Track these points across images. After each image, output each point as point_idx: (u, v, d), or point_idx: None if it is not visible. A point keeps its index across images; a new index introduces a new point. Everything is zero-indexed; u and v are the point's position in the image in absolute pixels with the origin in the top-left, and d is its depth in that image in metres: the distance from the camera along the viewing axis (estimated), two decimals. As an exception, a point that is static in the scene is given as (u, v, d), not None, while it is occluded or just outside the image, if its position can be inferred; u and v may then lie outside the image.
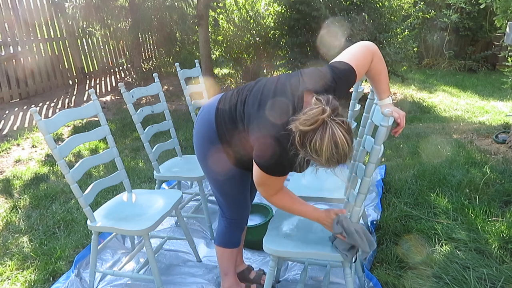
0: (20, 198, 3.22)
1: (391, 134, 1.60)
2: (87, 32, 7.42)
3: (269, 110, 1.47)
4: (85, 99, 6.57)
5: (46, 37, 6.95)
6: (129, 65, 8.41)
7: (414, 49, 6.48)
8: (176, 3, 6.95)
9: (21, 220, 2.88)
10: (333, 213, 1.62)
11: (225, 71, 8.77)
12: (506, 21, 3.88)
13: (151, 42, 9.05)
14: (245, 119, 1.55)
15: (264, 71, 7.34)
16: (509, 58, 4.27)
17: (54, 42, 7.13)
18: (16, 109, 6.00)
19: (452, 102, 6.39)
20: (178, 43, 8.48)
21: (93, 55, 7.82)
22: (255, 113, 1.51)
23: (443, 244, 2.27)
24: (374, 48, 1.59)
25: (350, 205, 1.67)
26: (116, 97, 6.77)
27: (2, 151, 4.41)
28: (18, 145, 4.63)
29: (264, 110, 1.48)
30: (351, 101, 2.37)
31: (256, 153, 1.49)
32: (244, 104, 1.57)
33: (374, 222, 2.58)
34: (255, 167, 1.52)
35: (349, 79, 1.54)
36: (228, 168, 1.73)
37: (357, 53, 1.57)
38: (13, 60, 6.31)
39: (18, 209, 3.05)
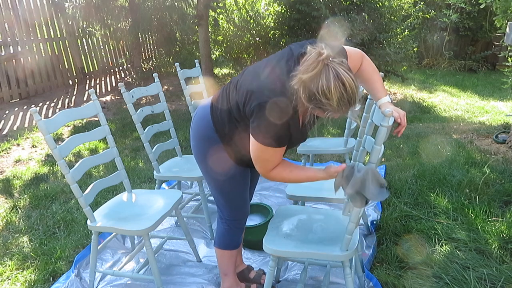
0: (20, 198, 3.22)
1: (393, 134, 1.59)
2: (87, 32, 7.42)
3: (263, 79, 1.48)
4: (85, 99, 6.57)
5: (46, 37, 6.95)
6: (129, 65, 8.41)
7: (414, 49, 6.48)
8: (176, 3, 6.94)
9: (21, 220, 2.88)
10: (333, 171, 1.55)
11: (225, 71, 8.77)
12: (506, 21, 3.89)
13: (151, 42, 9.05)
14: (240, 99, 1.53)
15: (264, 71, 7.33)
16: (509, 58, 4.28)
17: (54, 42, 7.13)
18: (16, 109, 6.00)
19: (452, 102, 6.39)
20: (178, 43, 8.48)
21: (93, 55, 7.82)
22: (249, 86, 1.51)
23: (443, 244, 2.27)
24: (363, 53, 1.66)
25: (350, 205, 1.67)
26: (116, 97, 6.77)
27: (2, 151, 4.41)
28: (18, 145, 4.63)
29: (258, 81, 1.49)
30: (351, 101, 2.37)
31: (253, 125, 1.47)
32: (237, 89, 1.57)
33: (374, 222, 2.58)
34: (252, 142, 1.50)
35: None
36: (228, 167, 1.72)
37: (350, 48, 1.63)
38: (13, 60, 6.31)
39: (18, 209, 3.05)
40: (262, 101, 1.43)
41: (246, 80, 1.55)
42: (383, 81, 1.85)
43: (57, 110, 5.91)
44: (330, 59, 1.29)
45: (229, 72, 8.37)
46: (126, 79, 8.05)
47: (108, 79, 7.94)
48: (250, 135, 1.51)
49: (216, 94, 1.72)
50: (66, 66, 7.30)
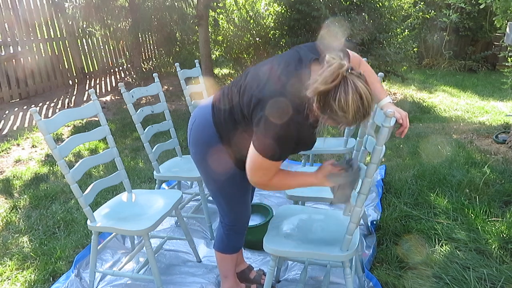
0: (20, 198, 3.22)
1: (396, 135, 1.59)
2: (87, 32, 7.42)
3: (271, 86, 1.42)
4: (85, 99, 6.57)
5: (46, 37, 6.95)
6: (129, 65, 8.41)
7: (414, 49, 6.48)
8: (176, 3, 6.94)
9: (21, 220, 2.88)
10: (326, 170, 1.56)
11: (225, 71, 8.77)
12: (506, 21, 3.89)
13: (151, 42, 9.05)
14: (245, 105, 1.49)
15: (264, 71, 7.33)
16: (509, 58, 4.28)
17: (54, 42, 7.13)
18: (16, 109, 6.00)
19: (452, 102, 6.39)
20: (178, 43, 8.48)
21: (93, 55, 7.82)
22: (256, 93, 1.45)
23: (443, 244, 2.28)
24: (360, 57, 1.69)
25: (351, 206, 1.67)
26: (116, 97, 6.77)
27: (2, 151, 4.41)
28: (18, 145, 4.63)
29: (265, 88, 1.43)
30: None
31: (258, 134, 1.42)
32: (241, 93, 1.53)
33: (374, 222, 2.58)
34: (253, 152, 1.45)
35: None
36: (230, 169, 1.69)
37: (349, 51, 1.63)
38: (13, 60, 6.31)
39: (18, 209, 3.05)
40: (271, 111, 1.38)
41: (251, 85, 1.49)
42: (383, 81, 1.85)
43: (57, 110, 5.91)
44: (349, 71, 1.28)
45: (229, 72, 8.36)
46: (126, 79, 8.05)
47: (108, 79, 7.94)
48: (252, 143, 1.46)
49: (216, 97, 1.67)
50: (66, 66, 7.30)
